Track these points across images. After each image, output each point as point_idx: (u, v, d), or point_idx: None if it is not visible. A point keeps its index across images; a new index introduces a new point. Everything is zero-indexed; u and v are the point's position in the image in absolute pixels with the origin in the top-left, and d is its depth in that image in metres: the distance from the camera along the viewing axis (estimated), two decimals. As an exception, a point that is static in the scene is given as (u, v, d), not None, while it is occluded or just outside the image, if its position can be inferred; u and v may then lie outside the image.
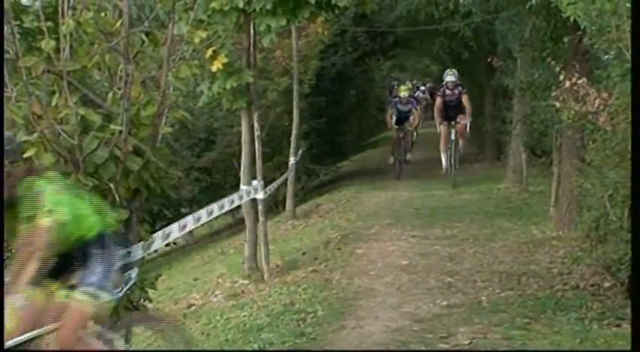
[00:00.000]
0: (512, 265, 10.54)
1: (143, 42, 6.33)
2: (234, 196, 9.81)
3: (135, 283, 5.90)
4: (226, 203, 9.20)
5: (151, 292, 6.47)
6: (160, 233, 6.90)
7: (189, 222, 7.74)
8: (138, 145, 5.98)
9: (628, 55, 7.73)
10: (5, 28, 5.38)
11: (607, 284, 9.11)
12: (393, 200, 16.29)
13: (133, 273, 5.82)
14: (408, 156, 21.09)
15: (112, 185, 5.76)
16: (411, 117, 20.92)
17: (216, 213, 8.72)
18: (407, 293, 9.34)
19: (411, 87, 26.12)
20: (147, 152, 6.01)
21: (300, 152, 16.85)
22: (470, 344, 7.30)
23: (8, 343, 4.64)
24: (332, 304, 9.15)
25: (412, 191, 18.21)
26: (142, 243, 6.32)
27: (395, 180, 20.19)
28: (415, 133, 22.67)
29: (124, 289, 5.60)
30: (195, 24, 9.32)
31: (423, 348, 7.29)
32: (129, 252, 5.94)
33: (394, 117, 20.63)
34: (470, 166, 23.51)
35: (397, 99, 21.31)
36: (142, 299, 6.38)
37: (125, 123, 5.79)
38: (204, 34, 9.07)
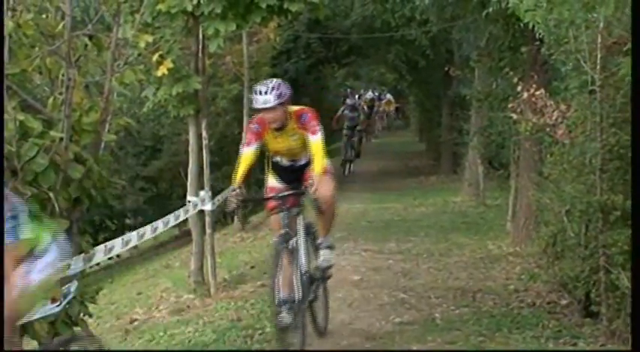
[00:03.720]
0: (468, 281, 10.47)
1: (86, 45, 6.19)
2: (180, 211, 9.61)
3: (74, 297, 5.74)
4: (171, 218, 9.07)
5: (91, 307, 6.35)
6: (102, 247, 6.73)
7: (133, 238, 7.66)
8: (79, 153, 5.86)
9: (586, 67, 7.65)
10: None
11: (564, 302, 9.10)
12: (346, 212, 16.09)
13: (73, 287, 5.65)
14: None
15: (51, 194, 5.61)
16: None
17: (160, 230, 8.62)
18: (358, 310, 9.18)
19: None
20: (89, 160, 5.87)
21: (250, 162, 16.62)
22: (423, 362, 7.18)
23: None
24: (281, 320, 8.96)
25: (366, 203, 18.17)
26: (82, 255, 6.13)
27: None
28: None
29: (63, 303, 5.35)
30: (142, 27, 9.11)
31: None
32: (68, 265, 5.73)
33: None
34: (425, 179, 23.52)
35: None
36: (82, 314, 6.22)
37: (66, 129, 5.68)
38: (150, 38, 8.87)
